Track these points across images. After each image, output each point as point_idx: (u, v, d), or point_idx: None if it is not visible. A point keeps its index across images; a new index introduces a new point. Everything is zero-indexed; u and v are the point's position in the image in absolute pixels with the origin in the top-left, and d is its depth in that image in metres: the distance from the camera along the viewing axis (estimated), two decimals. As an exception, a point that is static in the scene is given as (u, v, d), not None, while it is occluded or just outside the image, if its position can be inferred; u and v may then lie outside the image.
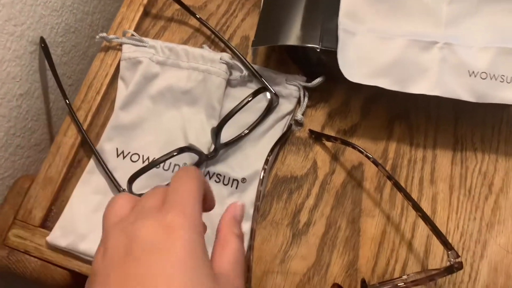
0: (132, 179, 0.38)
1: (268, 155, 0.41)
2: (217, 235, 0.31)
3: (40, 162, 0.49)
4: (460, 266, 0.34)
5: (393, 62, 0.39)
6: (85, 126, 0.44)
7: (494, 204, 0.41)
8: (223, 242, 0.30)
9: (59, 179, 0.42)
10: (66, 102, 0.43)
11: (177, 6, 0.48)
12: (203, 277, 0.25)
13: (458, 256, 0.34)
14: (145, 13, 0.48)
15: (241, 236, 0.31)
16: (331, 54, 0.40)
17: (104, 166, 0.42)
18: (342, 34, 0.40)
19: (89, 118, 0.44)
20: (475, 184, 0.42)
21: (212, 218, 0.40)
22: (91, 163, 0.42)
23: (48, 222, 0.41)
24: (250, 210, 0.40)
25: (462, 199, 0.41)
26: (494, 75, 0.39)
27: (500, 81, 0.39)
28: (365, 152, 0.40)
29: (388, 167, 0.43)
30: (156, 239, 0.25)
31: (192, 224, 0.26)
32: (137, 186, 0.39)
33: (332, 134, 0.44)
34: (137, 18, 0.47)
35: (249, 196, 0.41)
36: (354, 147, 0.41)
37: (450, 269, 0.34)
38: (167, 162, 0.42)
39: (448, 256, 0.35)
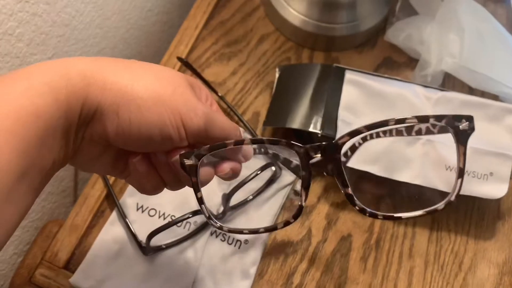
0: (152, 235, 0.44)
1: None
2: None
3: (64, 207, 0.54)
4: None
5: (382, 152, 0.46)
6: (111, 181, 0.50)
7: (462, 281, 0.47)
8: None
9: (84, 227, 0.48)
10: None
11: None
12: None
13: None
14: (172, 84, 0.55)
15: (241, 136, 0.33)
16: (330, 139, 0.47)
17: (125, 218, 0.47)
18: (341, 123, 0.47)
19: (115, 174, 0.50)
20: (447, 261, 0.48)
21: (214, 274, 0.46)
22: (114, 214, 0.48)
23: (71, 264, 0.46)
24: (250, 269, 0.46)
25: (435, 274, 0.47)
26: (467, 170, 0.46)
27: (472, 177, 0.46)
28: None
29: (373, 240, 0.49)
30: None
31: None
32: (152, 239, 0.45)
33: (326, 206, 0.50)
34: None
35: (250, 256, 0.47)
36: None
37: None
38: (181, 219, 0.48)
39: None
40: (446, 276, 0.47)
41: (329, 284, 0.46)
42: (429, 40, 0.54)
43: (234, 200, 0.49)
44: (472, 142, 0.47)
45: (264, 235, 0.47)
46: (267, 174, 0.50)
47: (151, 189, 0.33)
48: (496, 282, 0.47)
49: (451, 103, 0.48)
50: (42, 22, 0.40)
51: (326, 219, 0.50)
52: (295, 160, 0.51)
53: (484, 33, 0.52)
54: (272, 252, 0.48)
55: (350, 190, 0.31)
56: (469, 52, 0.51)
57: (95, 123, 0.28)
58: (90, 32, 0.47)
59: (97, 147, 0.30)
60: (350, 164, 0.46)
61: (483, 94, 0.51)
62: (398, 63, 0.58)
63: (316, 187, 0.51)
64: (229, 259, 0.47)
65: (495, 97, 0.51)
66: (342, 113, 0.47)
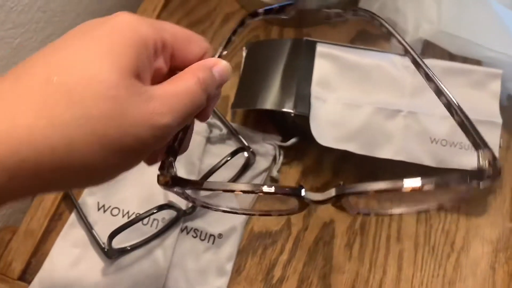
0: (112, 235, 0.39)
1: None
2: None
3: (19, 213, 0.50)
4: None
5: (360, 128, 0.42)
6: (68, 180, 0.45)
7: (455, 262, 0.44)
8: (176, 78, 0.24)
9: (40, 232, 0.43)
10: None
11: (161, 66, 0.51)
12: (113, 68, 0.21)
13: None
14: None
15: (203, 83, 0.24)
16: (304, 119, 0.43)
17: (85, 220, 0.43)
18: (314, 101, 0.43)
19: (72, 172, 0.46)
20: (438, 242, 0.45)
21: (187, 273, 0.42)
22: (73, 216, 0.44)
23: (27, 275, 0.42)
24: (226, 266, 0.42)
25: (426, 257, 0.44)
26: (453, 142, 0.42)
27: (459, 148, 0.42)
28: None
29: (357, 225, 0.45)
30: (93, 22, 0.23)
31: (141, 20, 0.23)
32: (116, 240, 0.40)
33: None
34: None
35: (225, 251, 0.43)
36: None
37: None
38: (147, 217, 0.43)
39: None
40: (438, 258, 0.44)
41: (313, 275, 0.43)
42: (405, 7, 0.50)
43: (205, 192, 0.44)
44: (456, 111, 0.44)
45: (240, 227, 0.43)
46: (240, 161, 0.46)
47: None
48: (491, 260, 0.44)
49: (432, 71, 0.44)
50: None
51: (306, 206, 0.46)
52: (268, 143, 0.47)
53: (463, -5, 0.48)
54: (249, 245, 0.44)
55: None
56: (448, 17, 0.47)
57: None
58: (30, 16, 0.42)
59: None
60: (326, 143, 0.42)
61: (465, 60, 0.47)
62: (374, 35, 0.54)
63: (293, 171, 0.47)
64: (202, 256, 0.43)
65: (478, 63, 0.47)
66: (315, 89, 0.43)
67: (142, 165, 0.47)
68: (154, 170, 0.46)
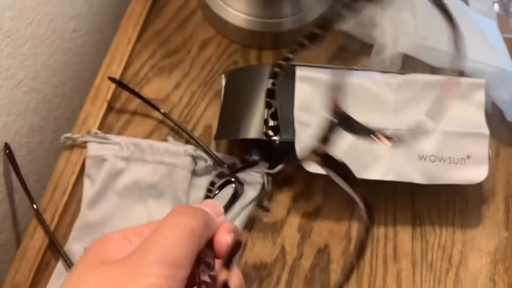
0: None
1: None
2: None
3: (5, 263, 0.48)
4: None
5: (347, 151, 0.41)
6: (52, 227, 0.44)
7: (455, 277, 0.43)
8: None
9: (27, 285, 0.41)
10: (33, 207, 0.43)
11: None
12: None
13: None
14: (109, 108, 0.50)
15: (190, 213, 0.23)
16: (290, 144, 0.42)
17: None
18: (298, 126, 0.42)
19: (56, 218, 0.44)
20: (436, 258, 0.44)
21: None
22: (59, 265, 0.42)
23: (15, 332, 0.40)
24: (221, 304, 0.41)
25: (425, 274, 0.43)
26: (442, 157, 0.42)
27: (448, 163, 0.42)
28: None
29: (352, 247, 0.44)
30: None
31: None
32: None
33: (297, 218, 0.45)
34: (101, 114, 0.49)
35: (220, 289, 0.41)
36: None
37: None
38: (137, 259, 0.42)
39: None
40: (436, 274, 0.43)
41: (311, 305, 0.42)
42: (382, 22, 0.50)
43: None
44: (442, 125, 0.43)
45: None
46: (227, 191, 0.45)
47: None
48: (490, 272, 0.43)
49: (414, 86, 0.44)
50: None
51: (299, 233, 0.45)
52: (256, 171, 0.46)
53: (438, 6, 0.48)
54: (244, 279, 0.43)
55: None
56: (425, 29, 0.47)
57: None
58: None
59: None
60: (314, 169, 0.41)
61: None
62: (353, 51, 0.54)
63: (284, 198, 0.46)
64: (197, 295, 0.41)
65: (461, 74, 0.47)
66: (298, 114, 0.43)
67: (126, 206, 0.45)
68: (139, 210, 0.45)
